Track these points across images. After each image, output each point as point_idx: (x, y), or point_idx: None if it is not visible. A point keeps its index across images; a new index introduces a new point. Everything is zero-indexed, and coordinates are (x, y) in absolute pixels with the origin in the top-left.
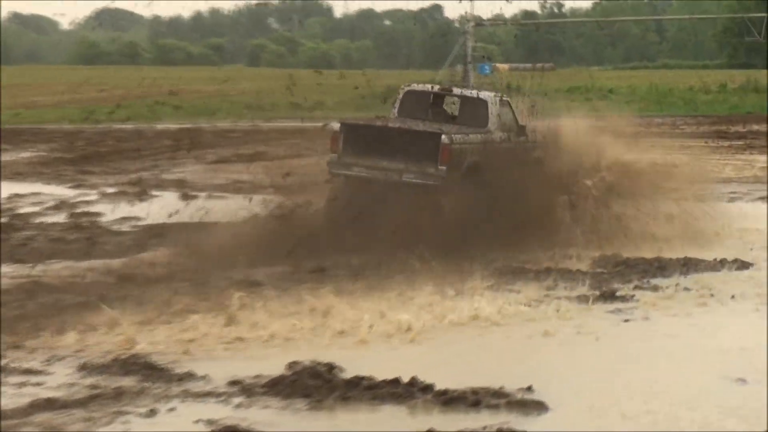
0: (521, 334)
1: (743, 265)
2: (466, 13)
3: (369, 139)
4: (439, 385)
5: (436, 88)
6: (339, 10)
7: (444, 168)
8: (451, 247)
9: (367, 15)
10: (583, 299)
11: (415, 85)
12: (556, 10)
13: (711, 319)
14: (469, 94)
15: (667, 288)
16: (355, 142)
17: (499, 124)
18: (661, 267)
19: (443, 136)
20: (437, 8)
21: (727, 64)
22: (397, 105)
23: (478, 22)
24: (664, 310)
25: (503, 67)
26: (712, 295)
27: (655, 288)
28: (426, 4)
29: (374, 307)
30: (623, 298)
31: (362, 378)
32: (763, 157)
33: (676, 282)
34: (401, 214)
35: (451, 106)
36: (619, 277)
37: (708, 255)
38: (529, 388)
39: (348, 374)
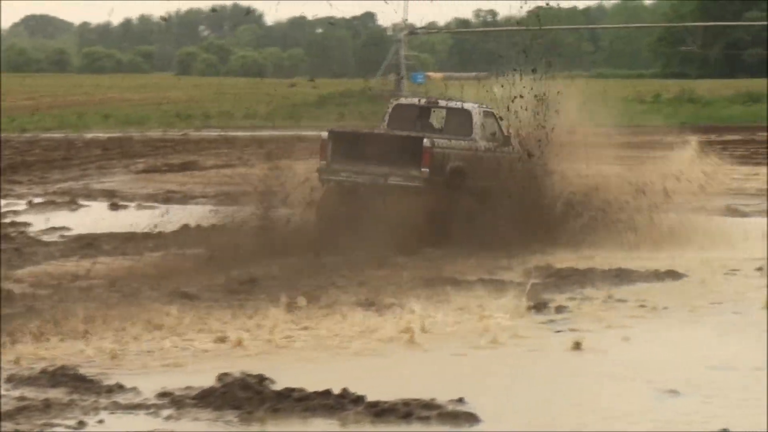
0: (453, 346)
1: (676, 276)
2: (402, 21)
3: (356, 146)
4: (371, 397)
5: (423, 101)
6: (270, 17)
7: (426, 170)
8: (416, 250)
9: (299, 23)
10: (515, 310)
11: (403, 98)
12: (490, 18)
13: (643, 330)
14: (453, 105)
15: (600, 299)
16: (343, 149)
17: (483, 134)
18: (593, 278)
19: (425, 140)
20: (370, 16)
21: (661, 74)
22: (386, 118)
23: (411, 30)
24: (597, 322)
25: (437, 76)
26: (644, 307)
27: (588, 299)
28: (359, 12)
29: (306, 318)
30: (556, 310)
31: (293, 390)
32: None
33: (608, 293)
34: (381, 217)
35: (438, 118)
36: (552, 288)
37: (641, 266)
38: (461, 400)
39: (279, 386)
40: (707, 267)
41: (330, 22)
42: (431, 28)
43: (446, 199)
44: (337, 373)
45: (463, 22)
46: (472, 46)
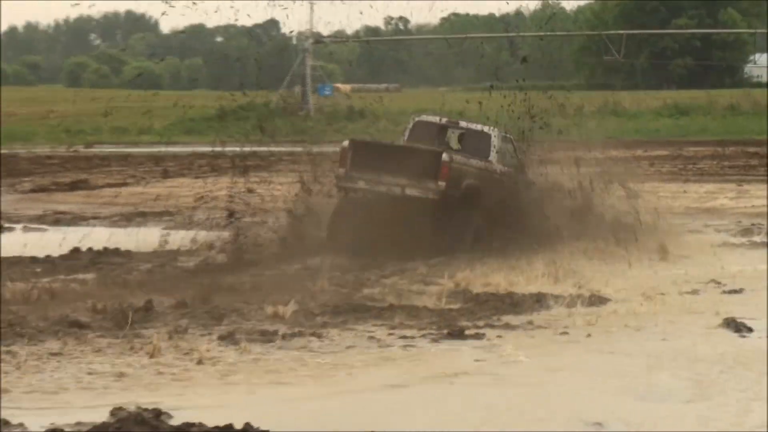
0: (364, 378)
1: (600, 301)
2: (308, 29)
3: (376, 156)
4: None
5: (444, 120)
6: (167, 25)
7: (443, 184)
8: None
9: (197, 31)
10: (430, 338)
11: (425, 115)
12: (401, 27)
13: (565, 358)
14: (474, 127)
15: (520, 326)
16: (363, 159)
17: (500, 158)
18: (513, 303)
19: (444, 154)
20: (274, 24)
21: (585, 85)
22: (406, 134)
23: (318, 39)
24: (517, 350)
25: (345, 87)
26: (566, 333)
27: (507, 326)
28: (261, 20)
29: (202, 347)
30: (473, 337)
31: (192, 424)
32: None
33: (529, 319)
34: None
35: (458, 137)
36: (469, 314)
37: (562, 290)
38: None
39: (176, 420)
40: (633, 291)
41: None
42: (338, 37)
43: (457, 214)
44: (239, 406)
45: (372, 30)
46: (383, 56)
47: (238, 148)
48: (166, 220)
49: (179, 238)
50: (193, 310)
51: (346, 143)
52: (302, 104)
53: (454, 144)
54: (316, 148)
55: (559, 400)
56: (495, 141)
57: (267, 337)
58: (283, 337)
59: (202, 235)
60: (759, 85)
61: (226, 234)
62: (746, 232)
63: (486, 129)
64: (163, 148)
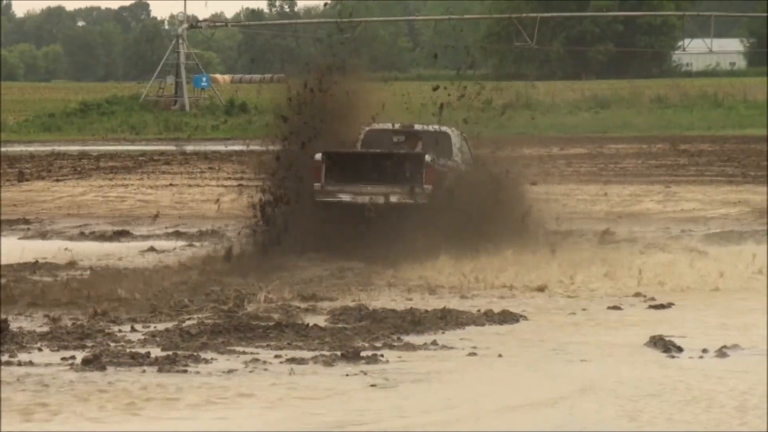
0: (247, 408)
1: (512, 318)
2: (181, 12)
3: (352, 165)
4: None
5: (398, 125)
6: (21, 8)
7: (429, 187)
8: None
9: (56, 14)
10: (321, 361)
11: (375, 124)
12: (287, 9)
13: (474, 382)
14: (431, 129)
15: (423, 346)
16: (339, 170)
17: (461, 157)
18: (414, 321)
19: (427, 156)
20: (143, 6)
21: (494, 76)
22: (358, 145)
23: (193, 23)
24: (418, 373)
25: (224, 78)
26: (475, 354)
27: (408, 346)
28: (128, 2)
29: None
30: (369, 359)
31: None
32: (535, 188)
33: (433, 338)
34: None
35: (414, 142)
36: (365, 333)
37: (470, 306)
38: None
39: None
40: (549, 307)
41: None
42: (216, 21)
43: (445, 216)
44: None
45: (255, 14)
46: (267, 43)
47: (103, 147)
48: (22, 229)
49: (38, 249)
50: (54, 330)
51: (318, 156)
52: (176, 97)
53: (416, 149)
54: (191, 147)
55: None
56: (455, 140)
57: (137, 360)
58: (156, 360)
59: (69, 246)
60: (688, 74)
61: (92, 245)
62: (676, 240)
63: (444, 129)
64: (18, 148)
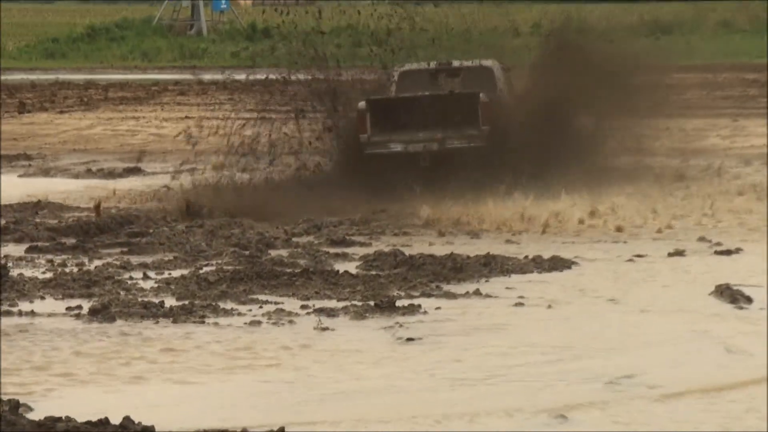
0: (269, 366)
1: (563, 264)
2: None
3: (399, 112)
4: (161, 427)
5: (433, 64)
6: None
7: (486, 128)
8: None
9: None
10: (352, 312)
11: (409, 64)
12: None
13: (520, 335)
14: (470, 64)
15: (464, 295)
16: (385, 118)
17: (506, 91)
18: (455, 267)
19: (481, 94)
20: None
21: None
22: (393, 88)
23: None
24: (459, 325)
25: (244, 0)
26: (521, 305)
27: (449, 295)
28: None
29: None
30: (405, 310)
31: (57, 419)
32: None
33: (475, 287)
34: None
35: (453, 80)
36: (400, 281)
37: (516, 251)
38: (282, 430)
39: (38, 414)
40: (604, 252)
41: None
42: None
43: (504, 158)
44: (115, 398)
45: None
46: None
47: (112, 76)
48: (23, 165)
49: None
50: (58, 276)
51: (362, 104)
52: (192, 21)
53: (456, 87)
54: (208, 76)
55: (513, 388)
56: (498, 74)
57: (150, 311)
58: (170, 311)
59: (72, 185)
60: None
61: (99, 182)
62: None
63: (485, 63)
64: (18, 76)
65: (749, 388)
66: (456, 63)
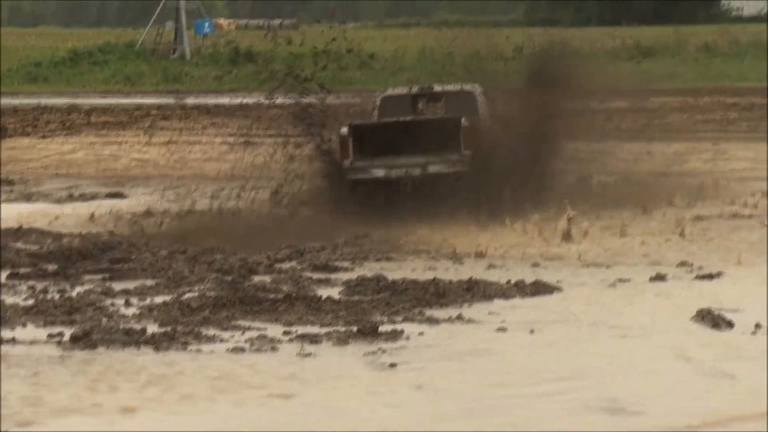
0: (251, 392)
1: (545, 289)
2: None
3: (381, 137)
4: None
5: (415, 88)
6: None
7: (468, 153)
8: None
9: None
10: (334, 338)
11: (391, 89)
12: None
13: (503, 361)
14: (452, 89)
15: (447, 320)
16: (367, 143)
17: (488, 115)
18: (438, 293)
19: (463, 119)
20: None
21: (525, 21)
22: (375, 113)
23: None
24: (443, 350)
25: (228, 24)
26: (504, 330)
27: (431, 321)
28: None
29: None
30: (388, 336)
31: None
32: (570, 146)
33: (458, 312)
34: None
35: (435, 105)
36: (383, 306)
37: (499, 276)
38: None
39: None
40: (586, 278)
41: None
42: None
43: (485, 183)
44: (100, 426)
45: None
46: None
47: (95, 100)
48: (5, 191)
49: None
50: (40, 303)
51: (344, 129)
52: (175, 45)
53: (438, 112)
54: (191, 100)
55: (492, 412)
56: (480, 98)
57: (132, 338)
58: (152, 337)
59: (53, 210)
60: (739, 19)
61: (80, 207)
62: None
63: (466, 87)
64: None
65: (733, 423)
66: (438, 87)
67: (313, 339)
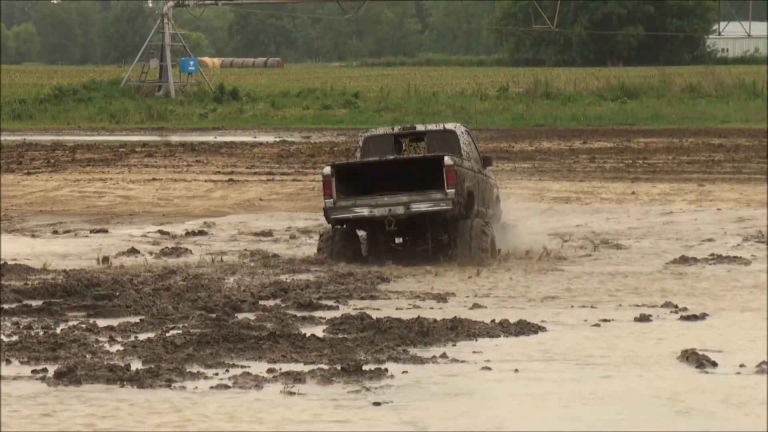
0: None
1: (530, 329)
2: None
3: (365, 176)
4: None
5: (397, 128)
6: None
7: (452, 191)
8: None
9: None
10: (318, 377)
11: (374, 129)
12: None
13: (487, 400)
14: (435, 128)
15: (431, 359)
16: (350, 182)
17: (469, 155)
18: (422, 331)
19: (446, 158)
20: None
21: (509, 61)
22: (358, 153)
23: (179, 1)
24: (426, 389)
25: (213, 62)
26: (488, 369)
27: (416, 359)
28: None
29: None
30: (372, 374)
31: None
32: (556, 185)
33: (442, 351)
34: None
35: (418, 144)
36: (367, 345)
37: (483, 315)
38: None
39: None
40: (570, 317)
41: None
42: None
43: (465, 221)
44: None
45: None
46: (261, 24)
47: (80, 137)
48: None
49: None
50: (24, 339)
51: (327, 169)
52: (160, 82)
53: (420, 151)
54: (176, 137)
55: None
56: (462, 137)
57: (116, 374)
58: (136, 374)
59: (38, 247)
60: (724, 61)
61: (63, 245)
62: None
63: (449, 126)
64: None
65: None
66: (420, 127)
67: (297, 377)
